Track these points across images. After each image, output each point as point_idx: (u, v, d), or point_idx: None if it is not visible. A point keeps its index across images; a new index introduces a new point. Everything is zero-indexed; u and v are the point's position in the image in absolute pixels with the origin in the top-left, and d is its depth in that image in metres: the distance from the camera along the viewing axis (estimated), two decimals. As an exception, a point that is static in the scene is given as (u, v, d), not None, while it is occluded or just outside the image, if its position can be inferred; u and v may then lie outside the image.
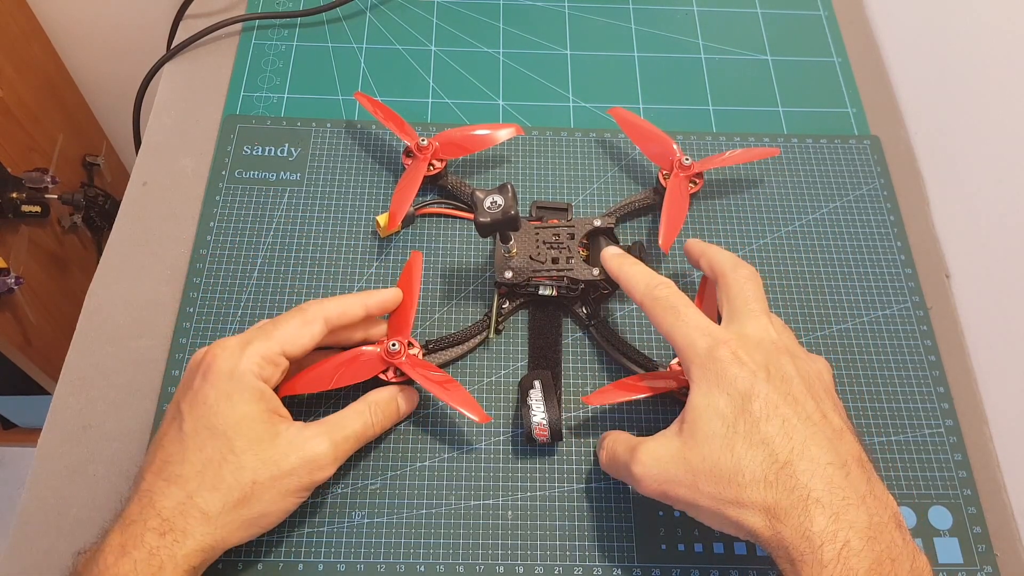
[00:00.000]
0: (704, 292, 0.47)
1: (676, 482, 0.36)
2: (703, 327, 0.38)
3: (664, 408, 0.47)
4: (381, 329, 0.46)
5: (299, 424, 0.40)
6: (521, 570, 0.42)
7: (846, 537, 0.32)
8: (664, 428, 0.46)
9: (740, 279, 0.41)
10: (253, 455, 0.37)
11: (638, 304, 0.42)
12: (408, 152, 0.53)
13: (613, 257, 0.45)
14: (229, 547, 0.38)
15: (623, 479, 0.40)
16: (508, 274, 0.47)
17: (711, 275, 0.43)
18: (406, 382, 0.45)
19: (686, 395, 0.44)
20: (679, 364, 0.46)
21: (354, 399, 0.46)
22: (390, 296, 0.45)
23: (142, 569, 0.34)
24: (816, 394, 0.37)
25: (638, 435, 0.46)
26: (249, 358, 0.39)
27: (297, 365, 0.43)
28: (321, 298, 0.43)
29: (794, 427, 0.35)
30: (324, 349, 0.45)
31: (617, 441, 0.40)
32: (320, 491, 0.44)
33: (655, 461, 0.37)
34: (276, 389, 0.41)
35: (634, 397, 0.43)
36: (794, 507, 0.33)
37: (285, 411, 0.40)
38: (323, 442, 0.39)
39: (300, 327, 0.41)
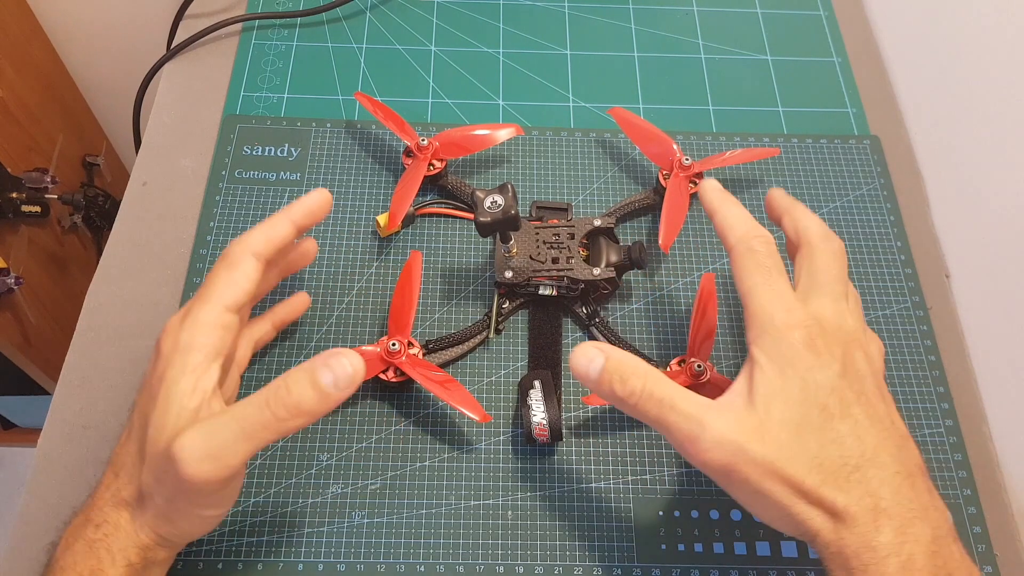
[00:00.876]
0: (704, 298, 0.46)
1: (751, 462, 0.32)
2: (788, 301, 0.35)
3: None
4: (311, 248, 0.45)
5: (202, 417, 0.33)
6: (521, 570, 0.42)
7: (911, 551, 0.30)
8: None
9: (828, 253, 0.37)
10: (153, 447, 0.33)
11: (728, 249, 0.38)
12: (408, 152, 0.53)
13: (714, 192, 0.41)
14: (168, 546, 0.35)
15: (660, 426, 0.34)
16: (508, 274, 0.47)
17: (794, 237, 0.39)
18: (406, 382, 0.45)
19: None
20: (679, 364, 0.46)
21: (354, 398, 0.46)
22: (315, 199, 0.39)
23: (81, 561, 0.33)
24: (885, 396, 0.35)
25: (639, 441, 0.46)
26: (190, 330, 0.35)
27: (250, 306, 0.41)
28: (241, 235, 0.38)
29: (866, 430, 0.33)
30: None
31: (660, 381, 0.34)
32: (320, 491, 0.44)
33: (734, 432, 0.32)
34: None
35: None
36: (863, 515, 0.31)
37: (218, 390, 0.35)
38: (194, 434, 0.32)
39: (230, 274, 0.37)
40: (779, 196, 0.41)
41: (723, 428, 0.33)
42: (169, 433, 0.33)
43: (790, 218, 0.40)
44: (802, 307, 0.35)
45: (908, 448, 0.34)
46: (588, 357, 0.35)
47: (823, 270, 0.37)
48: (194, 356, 0.34)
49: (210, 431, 0.32)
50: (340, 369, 0.32)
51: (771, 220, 0.42)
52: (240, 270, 0.37)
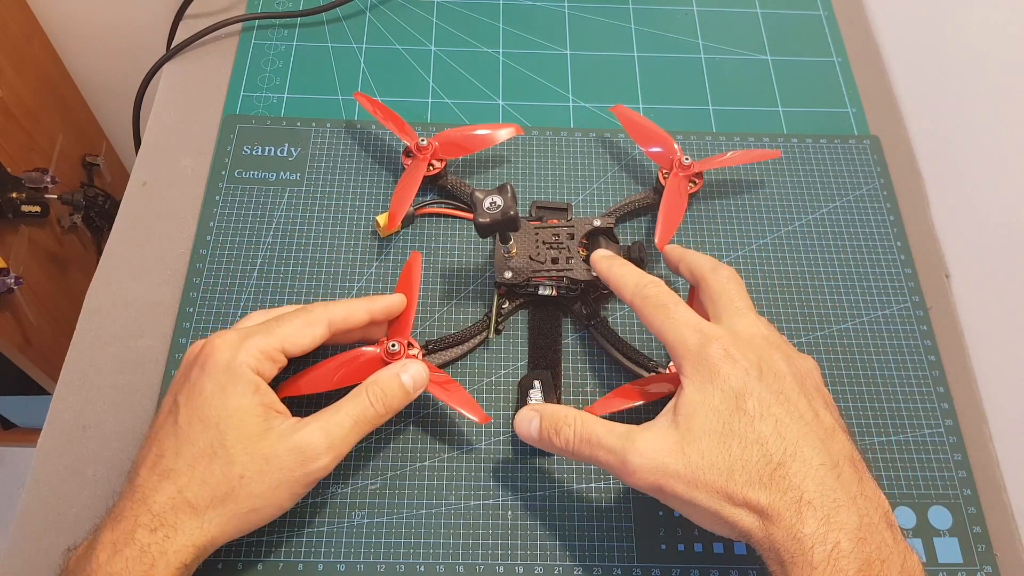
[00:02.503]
0: (694, 298, 0.47)
1: (675, 476, 0.35)
2: (694, 324, 0.38)
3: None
4: (379, 329, 0.46)
5: (295, 419, 0.39)
6: (521, 570, 0.42)
7: (836, 539, 0.32)
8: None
9: (721, 279, 0.41)
10: (242, 449, 0.36)
11: (628, 304, 0.41)
12: (408, 152, 0.53)
13: (602, 259, 0.44)
14: (221, 544, 0.37)
15: (598, 463, 0.38)
16: (508, 274, 0.47)
17: (691, 280, 0.43)
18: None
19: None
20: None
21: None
22: (395, 302, 0.44)
23: (133, 567, 0.34)
24: (808, 392, 0.37)
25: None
26: (248, 351, 0.38)
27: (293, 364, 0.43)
28: (327, 301, 0.43)
29: (787, 427, 0.35)
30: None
31: (587, 423, 0.38)
32: (320, 491, 0.44)
33: (655, 452, 0.35)
34: (274, 387, 0.41)
35: (636, 403, 0.43)
36: (787, 509, 0.33)
37: (282, 407, 0.40)
38: (315, 431, 0.38)
39: (303, 327, 0.41)
40: (673, 248, 0.46)
41: (645, 450, 0.36)
42: (259, 438, 0.37)
43: (684, 264, 0.44)
44: (714, 326, 0.38)
45: (835, 440, 0.35)
46: (527, 419, 0.40)
47: (721, 294, 0.40)
48: (255, 377, 0.38)
49: (327, 426, 0.38)
50: (416, 373, 0.41)
51: (672, 272, 0.46)
52: (312, 329, 0.41)
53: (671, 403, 0.37)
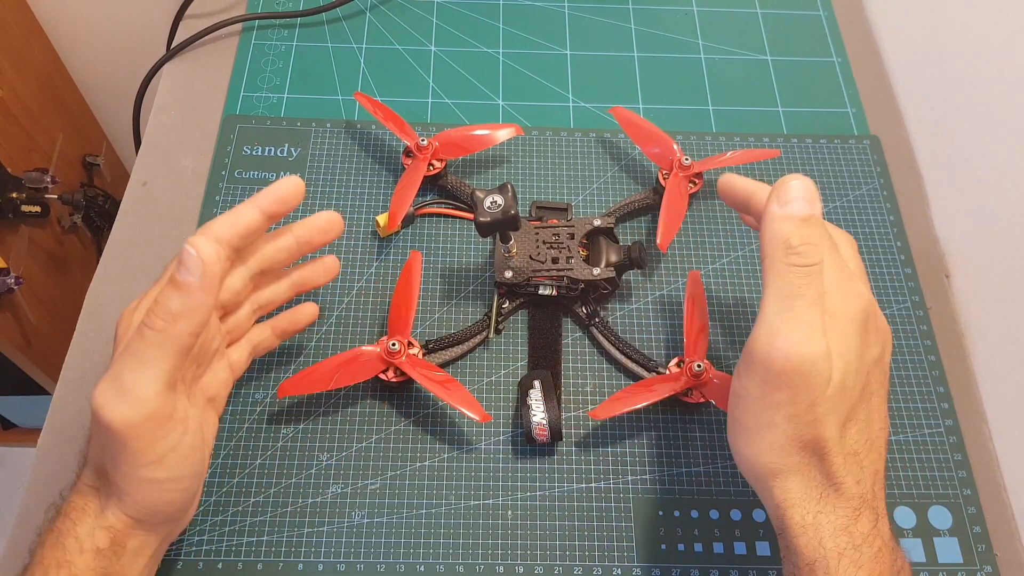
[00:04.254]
0: (691, 297, 0.46)
1: (825, 357, 0.31)
2: (847, 272, 0.35)
3: (665, 412, 0.47)
4: (331, 266, 0.44)
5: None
6: (521, 570, 0.42)
7: (879, 546, 0.32)
8: (665, 433, 0.46)
9: (850, 243, 0.38)
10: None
11: (763, 214, 0.35)
12: (408, 152, 0.53)
13: (731, 176, 0.41)
14: (142, 527, 0.34)
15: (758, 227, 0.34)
16: (508, 274, 0.47)
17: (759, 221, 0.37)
18: (406, 382, 0.45)
19: (688, 396, 0.45)
20: (677, 365, 0.46)
21: (354, 398, 0.46)
22: (283, 184, 0.38)
23: (50, 553, 0.33)
24: (887, 400, 0.36)
25: (639, 441, 0.46)
26: (139, 315, 0.35)
27: (257, 309, 0.41)
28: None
29: (875, 421, 0.34)
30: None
31: (809, 276, 0.32)
32: (320, 491, 0.44)
33: (820, 366, 0.31)
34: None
35: (639, 406, 0.43)
36: (851, 500, 0.32)
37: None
38: (103, 387, 0.33)
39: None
40: (730, 179, 0.41)
41: (819, 347, 0.31)
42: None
43: (757, 198, 0.39)
44: (861, 284, 0.35)
45: (884, 455, 0.35)
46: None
47: (852, 258, 0.37)
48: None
49: (114, 374, 0.33)
50: (188, 259, 0.33)
51: (729, 204, 0.42)
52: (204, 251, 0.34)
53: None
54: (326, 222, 0.41)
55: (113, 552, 0.33)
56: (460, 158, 0.56)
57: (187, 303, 0.32)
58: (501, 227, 0.43)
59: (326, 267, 0.44)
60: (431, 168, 0.52)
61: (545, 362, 0.47)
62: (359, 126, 0.57)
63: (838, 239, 0.37)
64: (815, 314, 0.32)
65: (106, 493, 0.34)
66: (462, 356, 0.48)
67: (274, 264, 0.41)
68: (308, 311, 0.45)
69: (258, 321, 0.43)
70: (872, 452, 0.33)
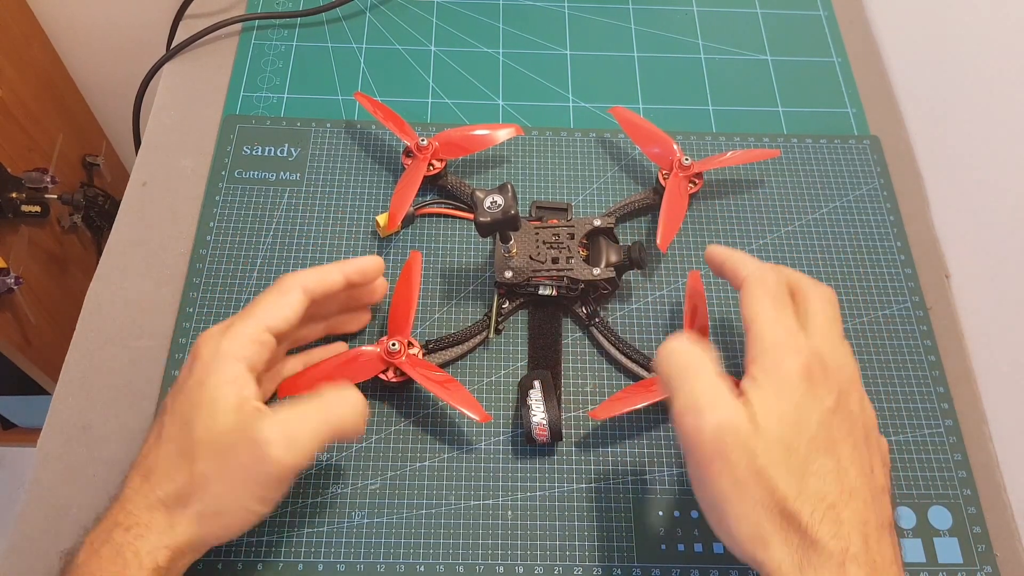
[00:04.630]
0: (692, 297, 0.46)
1: (743, 446, 0.32)
2: (791, 328, 0.35)
3: (665, 412, 0.47)
4: (361, 295, 0.46)
5: (264, 412, 0.36)
6: (521, 570, 0.42)
7: None
8: (665, 432, 0.46)
9: (822, 297, 0.38)
10: (207, 444, 0.35)
11: (741, 281, 0.38)
12: (408, 152, 0.53)
13: (717, 247, 0.42)
14: (200, 550, 0.36)
15: (670, 398, 0.35)
16: (508, 274, 0.47)
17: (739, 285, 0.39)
18: (406, 382, 0.45)
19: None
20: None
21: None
22: (368, 262, 0.43)
23: (107, 566, 0.33)
24: (871, 444, 0.35)
25: (639, 441, 0.46)
26: (231, 340, 0.37)
27: (289, 343, 0.43)
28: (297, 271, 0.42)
29: (847, 471, 0.32)
30: (318, 346, 0.44)
31: (695, 366, 0.35)
32: (320, 491, 0.44)
33: (733, 414, 0.32)
34: (273, 401, 0.40)
35: (638, 406, 0.43)
36: (831, 557, 0.30)
37: (260, 400, 0.37)
38: (272, 424, 0.35)
39: (277, 298, 0.39)
40: (716, 251, 0.42)
41: (726, 409, 0.33)
42: (224, 432, 0.35)
43: (730, 264, 0.40)
44: (805, 338, 0.35)
45: (882, 501, 0.34)
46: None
47: (819, 312, 0.37)
48: (235, 366, 0.37)
49: (287, 421, 0.36)
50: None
51: (715, 273, 0.43)
52: (287, 298, 0.40)
53: (747, 393, 0.34)
54: (370, 265, 0.44)
55: (167, 570, 0.35)
56: (460, 158, 0.56)
57: (351, 424, 0.38)
58: (501, 227, 0.43)
59: (359, 319, 0.46)
60: (431, 168, 0.52)
61: (545, 362, 0.47)
62: (359, 126, 0.57)
63: (809, 295, 0.38)
64: (712, 384, 0.34)
65: (182, 509, 0.35)
66: (462, 356, 0.48)
67: (326, 313, 0.45)
68: (340, 349, 0.47)
69: (290, 353, 0.46)
70: (855, 501, 0.32)
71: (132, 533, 0.34)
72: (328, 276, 0.41)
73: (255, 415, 0.35)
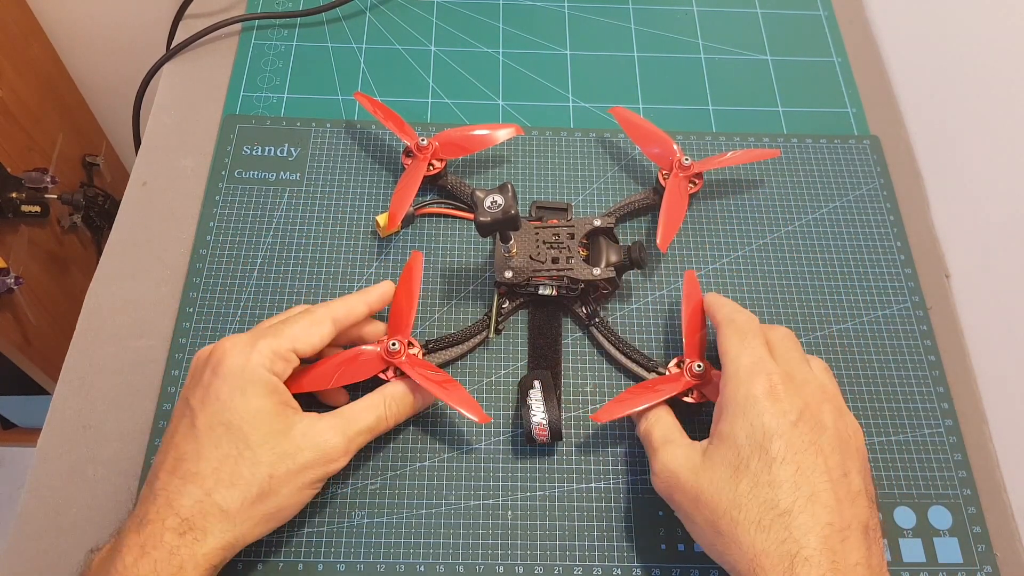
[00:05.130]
0: (688, 295, 0.46)
1: (683, 492, 0.37)
2: (758, 355, 0.39)
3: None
4: (379, 328, 0.46)
5: (312, 416, 0.40)
6: (521, 570, 0.42)
7: None
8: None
9: (780, 335, 0.42)
10: (269, 449, 0.37)
11: (715, 325, 0.43)
12: (408, 152, 0.53)
13: (713, 296, 0.45)
14: (248, 543, 0.38)
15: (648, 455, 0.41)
16: (508, 274, 0.47)
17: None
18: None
19: (688, 396, 0.45)
20: (677, 366, 0.46)
21: (354, 398, 0.46)
22: (386, 290, 0.45)
23: (162, 569, 0.34)
24: (847, 451, 0.36)
25: (639, 441, 0.46)
26: (261, 353, 0.39)
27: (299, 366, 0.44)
28: (327, 301, 0.44)
29: (807, 478, 0.34)
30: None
31: (658, 423, 0.41)
32: (320, 491, 0.43)
33: (676, 465, 0.38)
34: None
35: (639, 408, 0.43)
36: (781, 560, 0.33)
37: (296, 404, 0.40)
38: (336, 435, 0.39)
39: (310, 327, 0.41)
40: (712, 299, 0.45)
41: (670, 459, 0.39)
42: (283, 438, 0.38)
43: (723, 314, 0.43)
44: (771, 362, 0.39)
45: (854, 504, 0.35)
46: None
47: (778, 342, 0.41)
48: (270, 377, 0.39)
49: (346, 430, 0.40)
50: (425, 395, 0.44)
51: (711, 319, 0.45)
52: (319, 328, 0.42)
53: (713, 423, 0.38)
54: (388, 292, 0.46)
55: (218, 567, 0.37)
56: (460, 158, 0.56)
57: (417, 411, 0.44)
58: (501, 227, 0.43)
59: (376, 330, 0.47)
60: (431, 168, 0.52)
61: (545, 362, 0.47)
62: (359, 126, 0.57)
63: (770, 334, 0.41)
64: (669, 430, 0.41)
65: (248, 511, 0.37)
66: (462, 356, 0.48)
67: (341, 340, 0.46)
68: (342, 395, 0.47)
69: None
70: (814, 506, 0.34)
71: (188, 538, 0.35)
72: (355, 309, 0.44)
73: (310, 420, 0.39)
